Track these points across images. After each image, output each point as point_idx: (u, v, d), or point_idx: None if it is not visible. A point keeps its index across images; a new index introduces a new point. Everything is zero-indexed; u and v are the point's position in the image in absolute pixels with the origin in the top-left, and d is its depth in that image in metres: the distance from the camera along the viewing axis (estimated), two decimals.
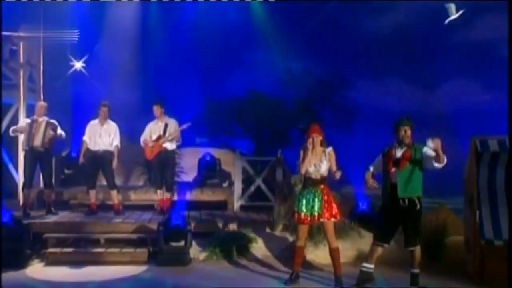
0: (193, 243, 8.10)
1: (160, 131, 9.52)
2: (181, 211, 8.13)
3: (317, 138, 6.51)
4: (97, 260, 7.68)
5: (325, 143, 6.63)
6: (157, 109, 9.52)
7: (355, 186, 9.29)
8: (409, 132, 6.30)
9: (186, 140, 11.73)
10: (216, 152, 12.74)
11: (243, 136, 12.54)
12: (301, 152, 6.55)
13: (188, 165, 12.56)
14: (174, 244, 7.82)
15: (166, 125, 9.53)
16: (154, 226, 8.27)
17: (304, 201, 6.54)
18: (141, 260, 7.79)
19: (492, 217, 7.23)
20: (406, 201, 6.22)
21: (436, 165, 6.03)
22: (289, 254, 7.37)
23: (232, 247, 7.99)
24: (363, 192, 9.06)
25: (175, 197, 10.12)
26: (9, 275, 6.88)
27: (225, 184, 12.01)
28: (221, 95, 12.62)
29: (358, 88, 12.54)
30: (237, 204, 10.48)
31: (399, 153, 6.32)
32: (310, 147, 6.47)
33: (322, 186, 6.56)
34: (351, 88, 12.49)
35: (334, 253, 6.62)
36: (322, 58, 12.22)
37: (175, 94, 11.89)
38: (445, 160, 5.95)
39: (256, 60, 12.85)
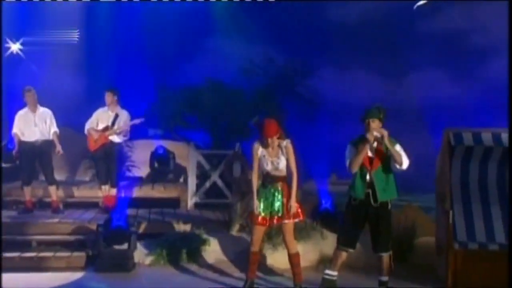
0: (139, 245, 7.66)
1: (108, 121, 9.03)
2: (123, 210, 7.47)
3: (274, 139, 6.09)
4: (27, 266, 7.08)
5: (283, 136, 6.18)
6: (108, 96, 9.02)
7: (318, 182, 9.21)
8: (375, 125, 5.89)
9: (138, 131, 11.32)
10: (170, 145, 12.22)
11: (199, 127, 11.99)
12: (255, 155, 6.11)
13: (140, 159, 12.19)
14: (116, 247, 7.31)
15: (116, 116, 9.06)
16: (95, 226, 7.73)
17: (262, 201, 6.13)
18: (78, 265, 7.26)
19: (466, 218, 6.93)
20: (379, 202, 5.91)
21: (397, 167, 5.76)
22: (245, 258, 6.91)
23: (182, 250, 7.55)
24: (326, 188, 8.94)
25: (123, 194, 9.58)
26: None
27: (181, 180, 11.67)
28: (176, 83, 12.05)
29: (322, 78, 12.08)
30: (191, 201, 10.11)
31: (371, 149, 5.95)
32: (256, 147, 6.10)
33: (281, 183, 6.15)
34: (315, 77, 12.02)
35: (293, 259, 6.23)
36: (284, 45, 11.86)
37: (125, 82, 11.27)
38: (404, 162, 5.70)
39: (214, 47, 12.53)
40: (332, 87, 12.18)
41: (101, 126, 9.02)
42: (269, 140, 5.99)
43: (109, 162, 9.05)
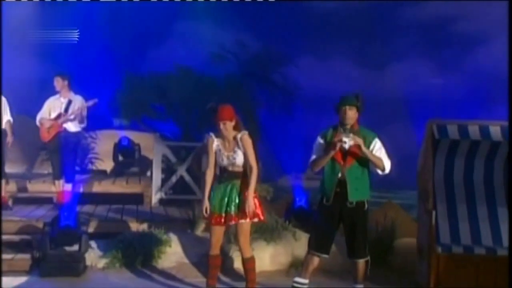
0: (93, 246, 7.16)
1: (61, 108, 8.56)
2: (72, 208, 6.94)
3: (228, 124, 5.62)
4: None
5: (240, 127, 5.73)
6: (58, 82, 8.54)
7: (293, 178, 9.01)
8: (352, 114, 5.40)
9: (102, 121, 11.54)
10: (136, 136, 11.70)
11: (167, 117, 11.68)
12: (209, 148, 5.74)
13: (104, 151, 11.83)
14: (66, 248, 6.76)
15: (69, 102, 8.58)
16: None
17: (217, 198, 5.70)
18: (21, 268, 6.69)
19: (450, 219, 6.60)
20: (354, 202, 5.47)
21: (379, 172, 5.44)
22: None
23: (139, 252, 7.04)
24: (301, 184, 8.63)
25: (81, 189, 9.26)
26: None
27: (148, 174, 11.03)
28: (143, 70, 11.74)
29: (299, 66, 11.85)
30: (155, 197, 9.57)
31: (347, 143, 5.43)
32: (211, 140, 5.70)
33: (239, 180, 5.71)
34: (291, 66, 11.79)
35: (248, 264, 5.81)
36: (258, 30, 11.60)
37: (88, 68, 11.08)
38: (387, 166, 5.36)
39: (183, 32, 12.23)
40: (309, 76, 11.94)
41: (53, 115, 8.58)
42: (221, 125, 5.56)
43: (65, 154, 8.58)
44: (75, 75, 9.30)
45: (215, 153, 5.70)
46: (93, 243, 7.14)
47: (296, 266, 6.82)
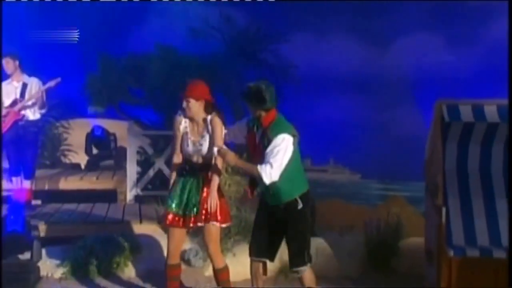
0: (49, 254, 6.72)
1: (16, 93, 8.11)
2: (20, 210, 6.52)
3: (192, 103, 5.11)
4: None
5: (213, 108, 5.22)
6: (8, 64, 8.03)
7: None
8: (258, 114, 4.97)
9: (75, 108, 11.52)
10: (112, 125, 11.43)
11: (147, 102, 11.08)
12: (176, 130, 5.25)
13: (78, 142, 11.61)
14: (20, 257, 6.28)
15: (24, 86, 8.15)
16: None
17: (175, 195, 5.22)
18: None
19: (464, 216, 6.15)
20: (282, 202, 5.04)
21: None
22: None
23: (103, 259, 6.59)
24: None
25: (45, 186, 9.01)
26: None
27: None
28: (118, 51, 11.20)
29: (293, 44, 11.16)
30: (130, 194, 9.19)
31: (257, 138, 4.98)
32: (179, 120, 5.22)
33: (204, 173, 5.21)
34: (285, 43, 11.04)
35: (220, 275, 5.37)
36: (246, 3, 10.81)
37: (56, 50, 10.86)
38: (264, 176, 4.74)
39: (162, 7, 11.60)
40: (304, 54, 11.44)
41: (7, 102, 8.06)
42: (184, 104, 5.08)
43: (24, 146, 8.11)
44: (42, 57, 9.32)
45: (182, 136, 5.19)
46: (49, 250, 6.73)
47: (286, 273, 6.42)
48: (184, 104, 5.08)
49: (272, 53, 11.15)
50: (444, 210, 5.76)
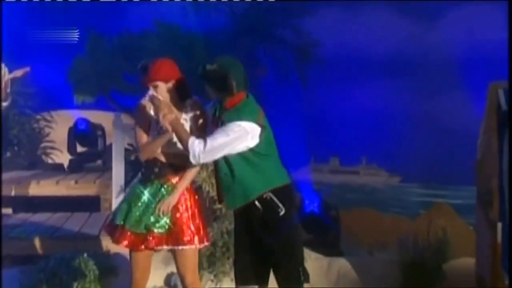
0: (7, 278, 6.59)
1: None
2: None
3: (161, 88, 4.74)
4: None
5: (187, 95, 4.84)
6: None
7: (301, 170, 8.92)
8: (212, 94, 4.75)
9: (59, 99, 11.27)
10: (101, 118, 11.25)
11: (141, 90, 10.62)
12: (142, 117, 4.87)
13: (62, 138, 11.41)
14: None
15: None
16: None
17: (135, 206, 4.78)
18: None
19: None
20: (258, 204, 4.55)
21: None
22: None
23: (67, 285, 6.48)
24: (309, 178, 8.88)
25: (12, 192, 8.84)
26: None
27: None
28: (111, 30, 11.07)
29: (319, 19, 10.98)
30: (116, 201, 8.83)
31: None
32: (144, 105, 4.82)
33: (177, 177, 4.79)
34: (309, 18, 10.86)
35: None
36: None
37: (35, 29, 10.86)
38: (191, 149, 4.47)
39: None
40: (334, 31, 11.26)
41: None
42: (151, 90, 4.71)
43: None
44: (18, 38, 9.48)
45: (150, 126, 4.78)
46: (5, 273, 6.59)
47: None
48: (151, 91, 4.68)
49: (292, 29, 10.95)
50: (500, 225, 5.68)
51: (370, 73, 11.01)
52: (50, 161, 11.47)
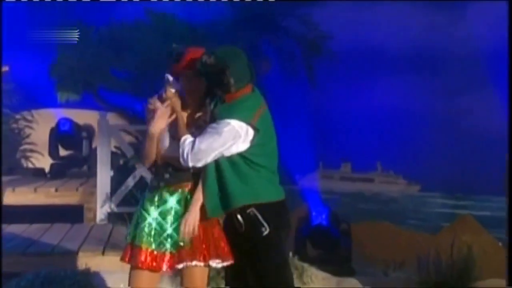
0: None
1: None
2: None
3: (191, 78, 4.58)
4: None
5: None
6: None
7: (308, 178, 9.16)
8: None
9: (41, 96, 11.39)
10: (87, 117, 11.28)
11: (133, 88, 11.12)
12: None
13: (44, 140, 11.42)
14: None
15: None
16: None
17: (145, 220, 4.62)
18: None
19: None
20: (240, 218, 4.44)
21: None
22: None
23: None
24: (317, 186, 8.88)
25: None
26: None
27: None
28: (99, 20, 11.19)
29: (330, 8, 11.07)
30: (101, 211, 9.03)
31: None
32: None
33: (190, 184, 4.64)
34: (315, 6, 11.00)
35: None
36: None
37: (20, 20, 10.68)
38: (180, 152, 4.44)
39: None
40: (344, 21, 11.36)
41: None
42: (181, 78, 4.54)
43: None
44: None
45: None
46: None
47: None
48: (185, 79, 4.52)
49: (300, 20, 11.07)
50: None
51: (387, 69, 11.22)
52: (30, 165, 11.54)
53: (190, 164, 4.30)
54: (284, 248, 4.63)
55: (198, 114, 4.65)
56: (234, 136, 4.32)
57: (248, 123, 4.31)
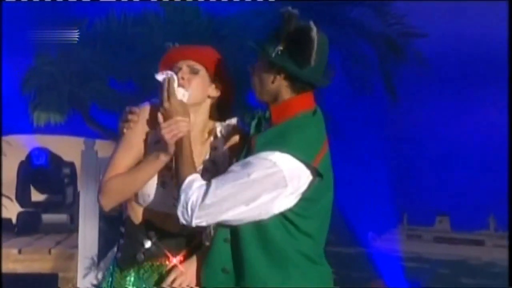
0: None
1: None
2: None
3: (201, 74, 4.14)
4: None
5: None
6: None
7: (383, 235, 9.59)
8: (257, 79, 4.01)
9: (12, 117, 11.44)
10: (68, 146, 11.56)
11: (137, 100, 10.80)
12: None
13: (11, 178, 11.60)
14: None
15: None
16: None
17: None
18: None
19: None
20: None
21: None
22: None
23: None
24: (399, 249, 9.32)
25: None
26: None
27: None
28: (92, 14, 11.49)
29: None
30: (83, 282, 9.09)
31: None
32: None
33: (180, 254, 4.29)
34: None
35: None
36: None
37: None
38: (180, 200, 3.95)
39: None
40: (442, 12, 11.06)
41: None
42: (180, 73, 4.08)
43: None
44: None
45: (148, 145, 4.28)
46: None
47: None
48: (180, 74, 4.08)
49: (376, 10, 11.16)
50: None
51: (498, 81, 10.91)
52: None
53: (194, 222, 3.71)
54: None
55: (209, 139, 4.15)
56: (277, 183, 3.73)
57: (308, 165, 3.73)
